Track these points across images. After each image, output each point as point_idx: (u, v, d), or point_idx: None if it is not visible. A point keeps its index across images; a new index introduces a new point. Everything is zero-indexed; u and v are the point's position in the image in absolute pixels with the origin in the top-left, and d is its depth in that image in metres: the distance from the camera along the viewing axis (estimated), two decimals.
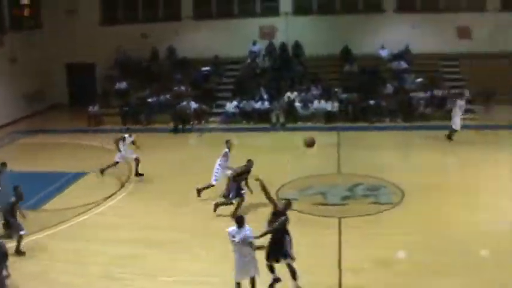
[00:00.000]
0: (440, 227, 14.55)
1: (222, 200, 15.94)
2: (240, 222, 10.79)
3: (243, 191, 15.61)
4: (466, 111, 23.66)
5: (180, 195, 17.36)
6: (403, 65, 28.11)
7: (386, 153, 21.41)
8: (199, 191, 16.91)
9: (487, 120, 25.17)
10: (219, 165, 16.69)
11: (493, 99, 25.86)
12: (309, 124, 26.16)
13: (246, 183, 15.68)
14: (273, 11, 30.59)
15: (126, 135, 19.31)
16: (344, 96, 26.86)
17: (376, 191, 17.16)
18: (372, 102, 26.09)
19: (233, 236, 10.71)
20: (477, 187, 17.51)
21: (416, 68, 28.08)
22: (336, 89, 27.27)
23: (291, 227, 11.50)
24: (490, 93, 25.83)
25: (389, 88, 26.71)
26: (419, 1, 29.60)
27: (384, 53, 29.05)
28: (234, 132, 24.10)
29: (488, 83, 26.20)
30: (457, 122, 21.98)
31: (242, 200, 15.55)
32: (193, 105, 27.20)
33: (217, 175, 16.72)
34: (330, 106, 26.51)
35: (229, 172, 16.12)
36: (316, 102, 26.84)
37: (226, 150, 16.73)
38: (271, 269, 11.47)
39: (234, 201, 15.56)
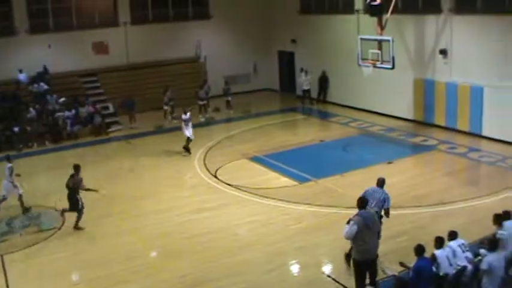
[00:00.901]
0: (109, 238, 14.72)
1: None
2: None
3: None
4: (114, 123, 24.30)
5: None
6: (44, 86, 27.14)
7: (41, 178, 20.52)
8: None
9: (134, 129, 26.42)
10: None
11: (135, 109, 27.12)
12: None
13: None
14: None
15: None
16: None
17: (37, 219, 16.28)
18: (16, 129, 24.54)
19: None
20: (135, 194, 17.95)
21: (57, 87, 27.41)
22: None
23: None
24: (132, 103, 26.90)
25: (32, 112, 25.50)
26: (52, 22, 28.94)
27: (22, 77, 27.38)
28: None
29: (129, 93, 27.42)
30: (186, 132, 22.15)
31: None
32: None
33: None
34: None
35: None
36: None
37: None
38: None
39: None
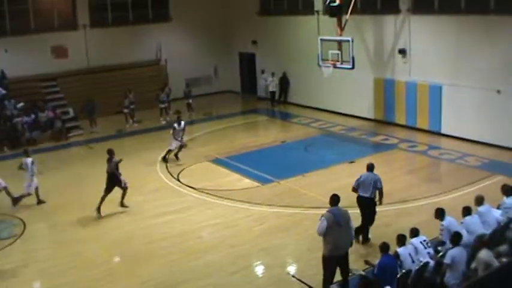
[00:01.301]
0: (70, 245, 14.52)
1: None
2: None
3: None
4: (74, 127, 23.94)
5: None
6: (1, 91, 26.57)
7: None
8: None
9: (94, 133, 26.10)
10: None
11: (96, 113, 26.79)
12: None
13: None
14: None
15: None
16: None
17: None
18: None
19: None
20: (96, 200, 17.61)
21: (16, 92, 26.86)
22: None
23: None
24: (93, 107, 26.59)
25: None
26: (9, 25, 28.36)
27: None
28: None
29: (89, 97, 26.94)
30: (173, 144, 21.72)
31: None
32: None
33: None
34: None
35: None
36: None
37: None
38: None
39: None
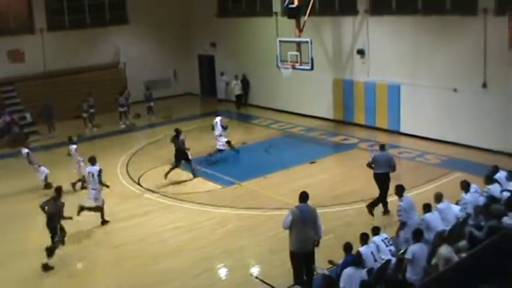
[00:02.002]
0: (31, 253, 14.03)
1: None
2: None
3: None
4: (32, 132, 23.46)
5: None
6: None
7: None
8: None
9: (52, 138, 25.57)
10: None
11: (54, 117, 26.37)
12: None
13: None
14: None
15: None
16: None
17: None
18: None
19: None
20: None
21: None
22: None
23: None
24: (50, 112, 26.12)
25: None
26: None
27: None
28: None
29: (47, 102, 26.51)
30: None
31: None
32: None
33: None
34: None
35: None
36: None
37: None
38: None
39: None
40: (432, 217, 11.85)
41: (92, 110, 26.93)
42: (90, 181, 15.85)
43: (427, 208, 11.95)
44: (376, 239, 11.17)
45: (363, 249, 10.84)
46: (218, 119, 20.97)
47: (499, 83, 19.46)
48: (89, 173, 15.88)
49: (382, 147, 15.61)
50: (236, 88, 30.04)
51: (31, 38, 29.03)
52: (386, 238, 11.24)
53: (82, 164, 18.03)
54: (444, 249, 10.23)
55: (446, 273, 9.04)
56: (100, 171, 15.82)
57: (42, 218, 13.71)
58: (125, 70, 31.47)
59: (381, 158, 15.17)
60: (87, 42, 30.38)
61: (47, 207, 13.59)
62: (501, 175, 13.81)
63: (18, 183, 19.67)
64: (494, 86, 19.64)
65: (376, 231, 11.35)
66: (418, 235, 10.77)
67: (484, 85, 19.83)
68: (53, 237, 13.46)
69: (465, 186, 12.93)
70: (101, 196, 15.95)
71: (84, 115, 26.78)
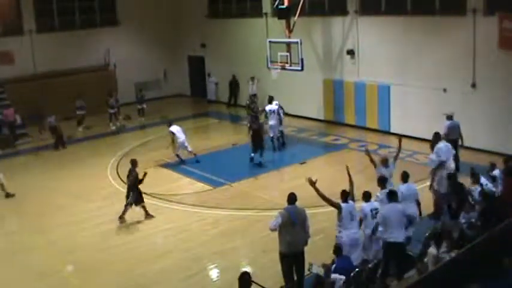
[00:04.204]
0: (19, 255, 14.14)
1: None
2: None
3: None
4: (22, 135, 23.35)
5: None
6: None
7: None
8: None
9: (43, 141, 25.34)
10: None
11: (45, 119, 26.05)
12: None
13: None
14: None
15: None
16: None
17: None
18: None
19: None
20: (45, 209, 17.37)
21: None
22: None
23: None
24: (41, 114, 25.94)
25: None
26: None
27: None
28: None
29: (37, 104, 26.48)
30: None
31: None
32: None
33: None
34: None
35: None
36: None
37: None
38: None
39: None
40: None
41: (82, 112, 26.89)
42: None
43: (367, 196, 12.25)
44: (366, 207, 11.89)
45: (365, 206, 11.81)
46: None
47: (488, 83, 19.57)
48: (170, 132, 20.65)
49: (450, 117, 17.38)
50: (251, 88, 29.07)
51: (20, 40, 28.86)
52: (376, 209, 11.78)
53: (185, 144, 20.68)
54: (434, 249, 10.27)
55: (436, 273, 9.06)
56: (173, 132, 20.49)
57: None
58: (115, 71, 31.38)
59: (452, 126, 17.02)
60: (77, 44, 30.27)
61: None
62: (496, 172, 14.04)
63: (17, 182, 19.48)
64: (483, 86, 19.75)
65: (367, 196, 12.06)
66: (392, 196, 11.63)
67: (474, 85, 19.95)
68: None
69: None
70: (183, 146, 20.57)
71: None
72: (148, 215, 15.92)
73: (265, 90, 28.13)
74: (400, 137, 15.28)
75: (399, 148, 14.89)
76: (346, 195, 11.73)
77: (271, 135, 21.80)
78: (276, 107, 21.91)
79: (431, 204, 14.69)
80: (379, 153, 20.91)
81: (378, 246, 11.57)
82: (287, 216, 10.90)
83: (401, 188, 12.90)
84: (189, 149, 21.03)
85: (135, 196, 15.71)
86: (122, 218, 15.68)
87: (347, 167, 12.90)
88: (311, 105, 25.93)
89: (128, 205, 15.68)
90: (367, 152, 14.77)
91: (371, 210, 11.79)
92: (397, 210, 11.39)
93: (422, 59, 21.34)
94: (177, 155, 20.97)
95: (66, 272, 13.48)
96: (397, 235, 11.11)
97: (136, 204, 15.80)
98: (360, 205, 12.05)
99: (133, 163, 15.94)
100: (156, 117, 28.61)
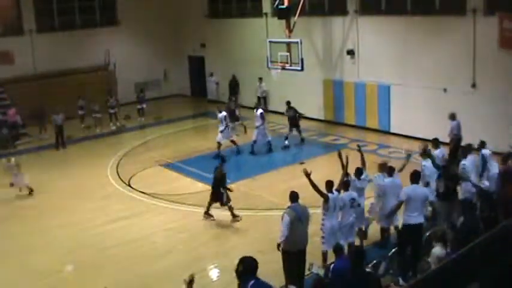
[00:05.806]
0: (18, 256, 14.10)
1: None
2: None
3: None
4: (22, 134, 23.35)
5: None
6: None
7: None
8: None
9: (43, 140, 25.48)
10: None
11: (46, 119, 26.00)
12: None
13: None
14: None
15: None
16: None
17: None
18: None
19: None
20: (44, 209, 17.37)
21: None
22: None
23: None
24: (42, 113, 25.97)
25: None
26: None
27: None
28: None
29: (38, 104, 26.38)
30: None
31: None
32: None
33: None
34: None
35: None
36: None
37: None
38: None
39: None
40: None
41: (82, 112, 26.93)
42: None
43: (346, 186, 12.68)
44: (346, 196, 12.27)
45: (344, 195, 12.30)
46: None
47: (489, 83, 19.57)
48: (220, 118, 21.47)
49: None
50: (259, 91, 28.81)
51: (20, 40, 28.85)
52: (353, 199, 12.29)
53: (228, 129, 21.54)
54: (438, 250, 10.27)
55: (436, 273, 9.06)
56: (225, 117, 21.50)
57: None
58: (115, 72, 31.37)
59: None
60: (77, 43, 30.25)
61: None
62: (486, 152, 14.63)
63: None
64: (483, 86, 19.76)
65: (346, 185, 12.62)
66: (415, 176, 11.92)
67: (474, 85, 19.96)
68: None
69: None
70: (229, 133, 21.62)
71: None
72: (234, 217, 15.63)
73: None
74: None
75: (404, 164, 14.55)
76: (331, 185, 11.98)
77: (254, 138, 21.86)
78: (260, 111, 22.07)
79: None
80: (378, 152, 20.96)
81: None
82: (294, 214, 10.96)
83: (386, 181, 13.43)
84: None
85: (226, 195, 15.57)
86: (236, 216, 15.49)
87: (339, 153, 13.81)
88: (311, 105, 25.89)
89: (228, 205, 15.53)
90: (359, 150, 14.90)
91: (349, 200, 12.24)
92: (421, 192, 11.78)
93: (422, 59, 21.35)
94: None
95: (66, 272, 13.49)
96: (418, 216, 11.46)
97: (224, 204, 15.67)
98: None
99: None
100: (155, 117, 28.62)
